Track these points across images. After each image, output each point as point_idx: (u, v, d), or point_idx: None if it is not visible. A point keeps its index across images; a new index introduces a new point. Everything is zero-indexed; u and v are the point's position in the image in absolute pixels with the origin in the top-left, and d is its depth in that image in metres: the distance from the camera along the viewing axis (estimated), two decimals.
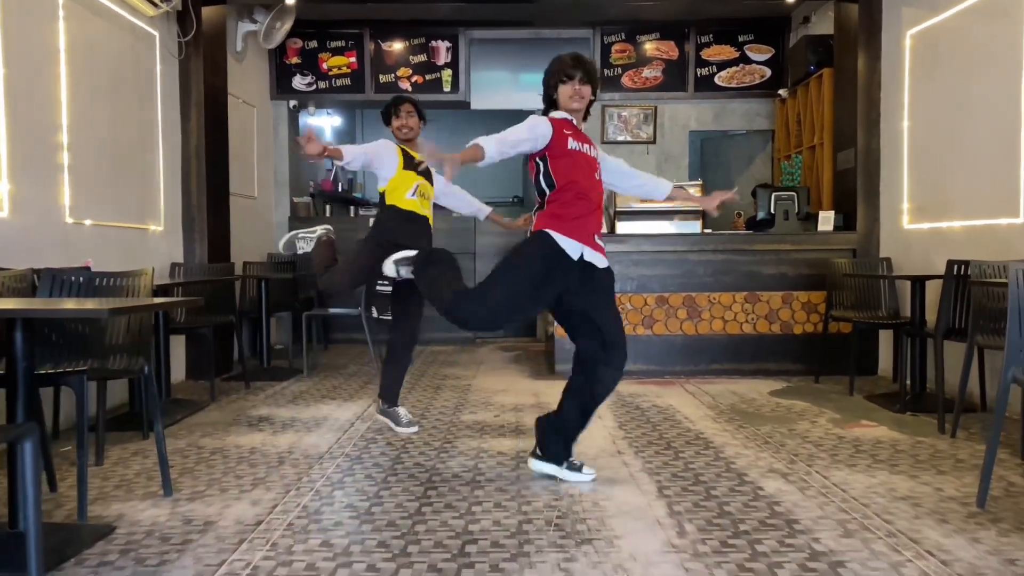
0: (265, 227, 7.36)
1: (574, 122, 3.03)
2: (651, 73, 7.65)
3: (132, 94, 4.92)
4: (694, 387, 5.11)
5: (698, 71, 7.66)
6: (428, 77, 7.65)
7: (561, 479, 3.09)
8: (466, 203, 4.15)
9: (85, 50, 4.37)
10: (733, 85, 7.65)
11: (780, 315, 5.51)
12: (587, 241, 2.96)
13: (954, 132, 4.68)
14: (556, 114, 3.04)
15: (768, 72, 7.60)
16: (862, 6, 5.54)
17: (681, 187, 3.44)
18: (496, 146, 2.82)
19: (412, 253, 3.22)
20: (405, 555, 2.37)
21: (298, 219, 7.64)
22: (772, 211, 5.89)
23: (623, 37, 7.66)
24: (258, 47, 6.97)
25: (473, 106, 7.71)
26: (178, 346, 5.42)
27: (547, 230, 2.92)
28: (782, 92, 7.42)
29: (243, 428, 4.06)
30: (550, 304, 3.02)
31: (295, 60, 7.60)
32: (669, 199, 3.36)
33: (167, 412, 4.28)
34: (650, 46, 7.67)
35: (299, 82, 7.61)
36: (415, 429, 3.83)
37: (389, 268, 3.24)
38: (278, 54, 7.53)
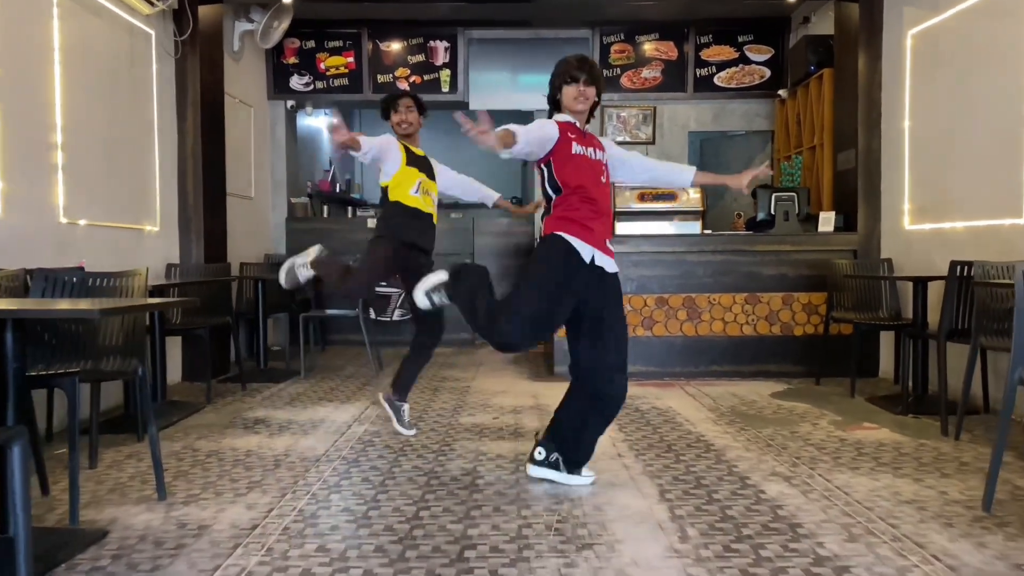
0: (263, 228, 7.32)
1: (577, 125, 2.99)
2: (650, 73, 7.62)
3: (128, 93, 4.87)
4: (694, 389, 5.07)
5: (697, 71, 7.62)
6: (426, 77, 7.61)
7: (559, 482, 3.06)
8: (474, 190, 4.14)
9: (80, 49, 4.33)
10: (732, 86, 7.62)
11: (780, 316, 5.47)
12: (597, 244, 2.92)
13: (956, 132, 4.65)
14: (560, 117, 3.00)
15: (768, 73, 7.57)
16: (863, 6, 5.51)
17: (703, 172, 3.33)
18: (524, 136, 2.77)
19: (439, 278, 3.10)
20: (403, 560, 2.33)
21: (295, 219, 7.61)
22: (772, 212, 5.85)
23: (622, 37, 7.62)
24: (255, 47, 6.93)
25: (471, 106, 7.66)
26: (174, 347, 5.37)
27: (557, 232, 2.90)
28: (782, 92, 7.39)
29: (239, 430, 4.01)
30: (570, 310, 2.96)
31: (292, 60, 7.56)
32: (695, 186, 3.35)
33: (163, 414, 4.24)
34: (649, 46, 7.64)
35: (296, 82, 7.57)
36: (413, 432, 3.83)
37: (422, 300, 3.10)
38: (275, 54, 7.49)
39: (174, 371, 5.39)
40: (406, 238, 3.76)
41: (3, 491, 2.23)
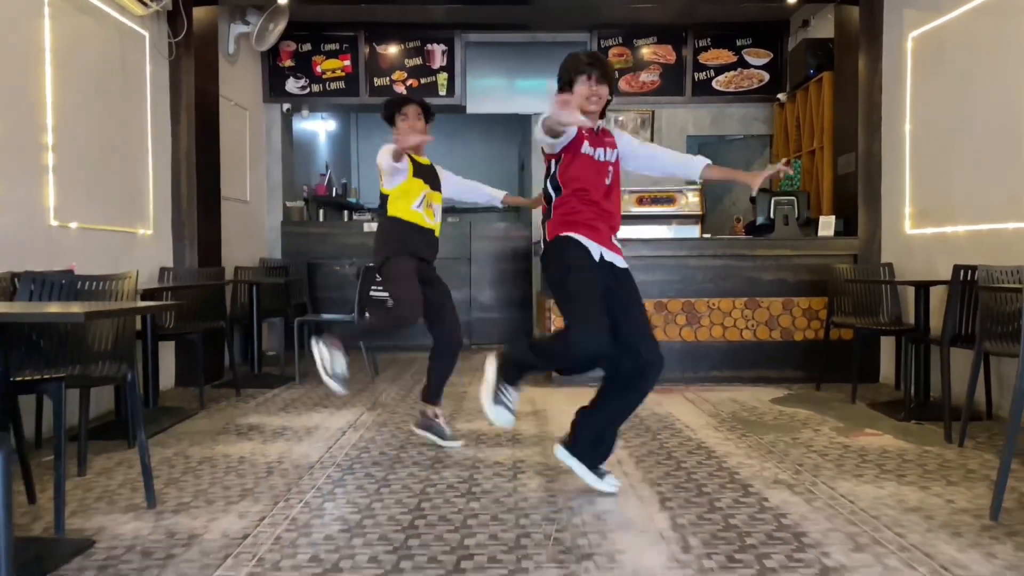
0: (258, 232, 7.25)
1: (588, 122, 2.83)
2: (648, 77, 7.58)
3: (120, 95, 4.81)
4: (694, 395, 5.01)
5: (696, 75, 7.58)
6: (423, 81, 7.56)
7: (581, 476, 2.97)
8: (483, 194, 4.05)
9: (72, 49, 4.27)
10: (731, 89, 7.58)
11: (780, 321, 5.42)
12: (603, 243, 2.86)
13: (957, 135, 4.61)
14: None
15: (766, 76, 7.53)
16: (863, 8, 5.47)
17: (715, 166, 3.16)
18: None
19: (492, 378, 2.93)
20: (397, 571, 2.26)
21: (291, 223, 7.55)
22: (772, 216, 5.81)
23: (620, 41, 7.58)
24: (251, 49, 6.87)
25: (469, 110, 7.62)
26: (167, 352, 5.30)
27: (561, 234, 2.83)
28: (780, 96, 7.36)
29: (232, 437, 3.95)
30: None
31: (288, 63, 7.51)
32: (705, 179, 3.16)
33: (154, 420, 4.17)
34: (647, 50, 7.60)
35: (293, 85, 7.52)
36: (460, 443, 3.74)
37: (495, 413, 2.94)
38: (271, 57, 7.44)
39: (167, 376, 5.32)
40: (414, 251, 3.67)
41: None
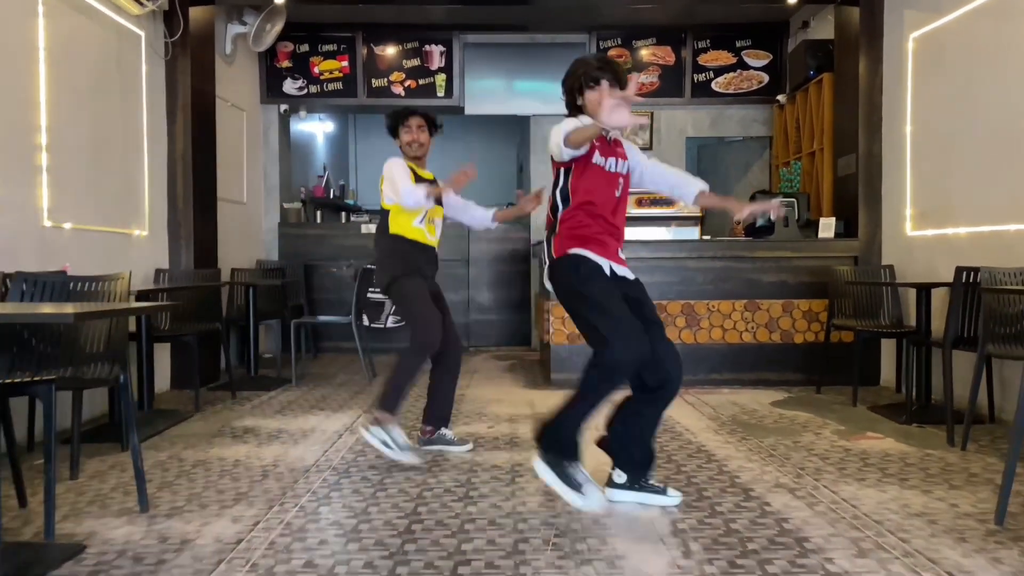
0: (255, 233, 7.21)
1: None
2: (647, 79, 7.54)
3: (116, 95, 4.77)
4: (693, 397, 4.97)
5: (695, 77, 7.55)
6: (421, 82, 7.52)
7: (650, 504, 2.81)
8: (475, 217, 3.88)
9: (66, 48, 4.23)
10: (730, 91, 7.55)
11: (780, 324, 5.38)
12: (611, 257, 2.77)
13: (959, 136, 4.58)
14: (583, 119, 2.77)
15: (766, 78, 7.50)
16: (863, 9, 5.44)
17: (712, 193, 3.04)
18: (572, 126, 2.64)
19: (543, 465, 2.67)
20: None
21: (288, 225, 7.51)
22: (772, 218, 5.77)
23: (619, 42, 7.55)
24: (248, 50, 6.84)
25: (467, 111, 7.58)
26: (163, 355, 5.26)
27: (570, 251, 2.72)
28: (780, 98, 7.33)
29: (227, 440, 3.90)
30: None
31: (286, 64, 7.47)
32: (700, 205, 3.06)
33: (149, 423, 4.13)
34: (646, 51, 7.57)
35: (290, 86, 7.48)
36: (470, 445, 3.70)
37: (581, 500, 2.65)
38: (268, 57, 7.40)
39: (162, 379, 5.28)
40: (419, 269, 3.60)
41: None
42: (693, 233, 6.19)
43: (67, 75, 4.23)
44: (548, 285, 2.90)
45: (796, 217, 5.74)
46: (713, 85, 7.54)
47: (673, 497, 2.86)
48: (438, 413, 3.69)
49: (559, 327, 5.34)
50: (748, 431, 4.04)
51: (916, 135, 5.04)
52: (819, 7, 6.54)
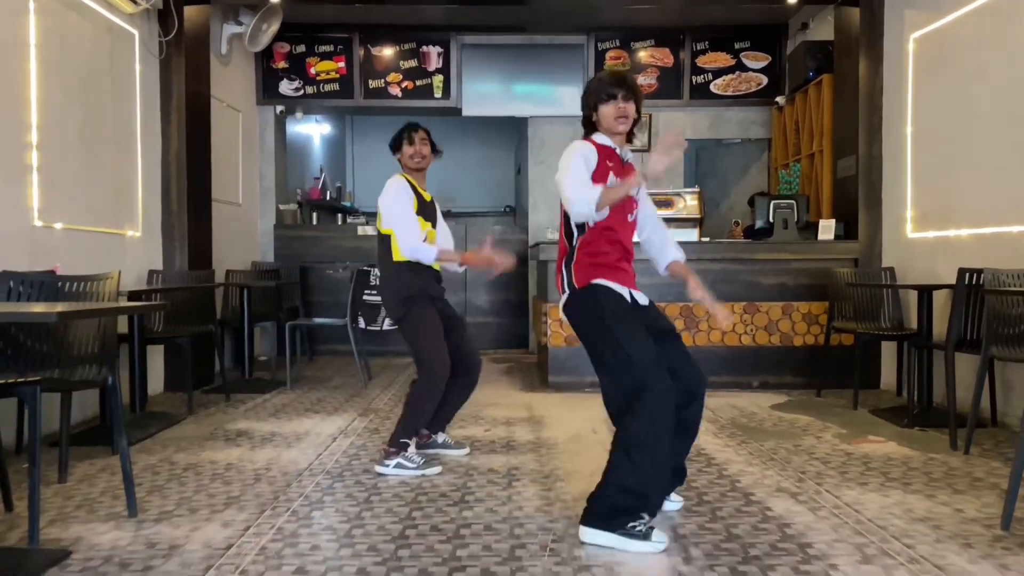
0: (250, 235, 7.15)
1: (617, 151, 2.71)
2: (645, 80, 7.49)
3: (108, 94, 4.72)
4: None
5: (693, 79, 7.51)
6: (419, 83, 7.48)
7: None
8: (445, 255, 3.61)
9: (58, 46, 4.18)
10: (729, 93, 7.51)
11: (780, 326, 5.33)
12: (631, 285, 2.69)
13: (960, 137, 4.54)
14: (598, 137, 2.70)
15: (765, 80, 7.46)
16: (863, 10, 5.41)
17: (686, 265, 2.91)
18: (587, 188, 2.53)
19: (611, 536, 2.46)
20: None
21: (284, 227, 7.45)
22: (771, 219, 5.73)
23: (617, 44, 7.51)
24: (244, 51, 6.79)
25: (464, 113, 7.53)
26: (156, 357, 5.20)
27: (593, 281, 2.63)
28: (779, 100, 7.29)
29: (220, 443, 3.84)
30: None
31: (282, 64, 7.42)
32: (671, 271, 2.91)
33: (141, 425, 4.07)
34: (645, 53, 7.52)
35: (286, 87, 7.43)
36: (466, 449, 3.67)
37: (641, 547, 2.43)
38: (265, 58, 7.35)
39: (156, 381, 5.22)
40: (428, 293, 3.51)
41: None
42: (692, 235, 6.13)
43: (59, 73, 4.18)
44: (562, 315, 2.78)
45: (796, 219, 5.70)
46: (712, 87, 7.51)
47: (674, 502, 2.80)
48: (440, 417, 3.63)
49: (556, 329, 5.29)
50: (748, 434, 3.99)
51: (917, 136, 5.00)
52: (819, 8, 6.50)
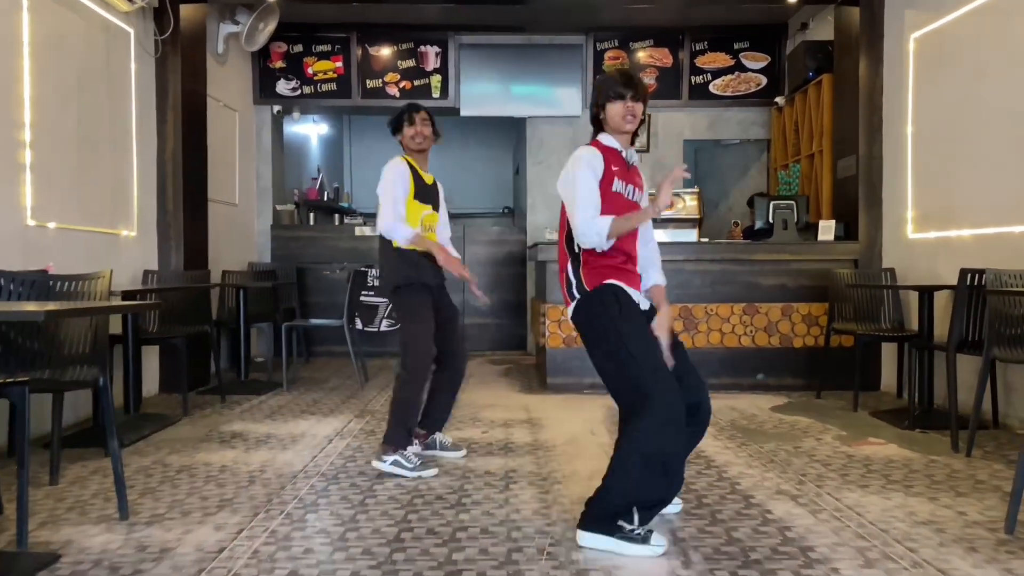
0: (247, 235, 7.11)
1: (623, 154, 2.67)
2: (644, 81, 7.46)
3: (103, 92, 4.68)
4: None
5: (692, 79, 7.48)
6: (417, 83, 7.44)
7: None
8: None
9: (52, 44, 4.14)
10: (728, 93, 7.48)
11: (779, 327, 5.30)
12: (638, 288, 2.64)
13: (962, 137, 4.50)
14: (604, 139, 2.68)
15: (764, 80, 7.43)
16: (864, 9, 5.38)
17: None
18: (594, 206, 2.52)
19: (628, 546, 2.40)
20: None
21: (281, 227, 7.42)
22: (770, 220, 5.70)
23: (616, 44, 7.47)
24: (240, 50, 6.75)
25: (463, 113, 7.49)
26: (151, 358, 5.16)
27: (606, 282, 2.57)
28: (779, 100, 7.25)
29: (214, 445, 3.80)
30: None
31: (279, 64, 7.38)
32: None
33: (135, 427, 4.03)
34: (643, 53, 7.49)
35: (283, 87, 7.39)
36: (463, 452, 3.63)
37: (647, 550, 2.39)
38: (262, 58, 7.31)
39: (151, 382, 5.18)
40: (423, 280, 3.49)
41: None
42: (691, 235, 6.10)
43: (52, 71, 4.14)
44: (570, 322, 2.69)
45: (795, 220, 5.66)
46: (711, 87, 7.47)
47: (673, 505, 2.77)
48: (434, 418, 3.59)
49: (555, 331, 5.25)
50: (748, 436, 3.95)
51: (917, 136, 4.96)
52: (818, 8, 6.47)
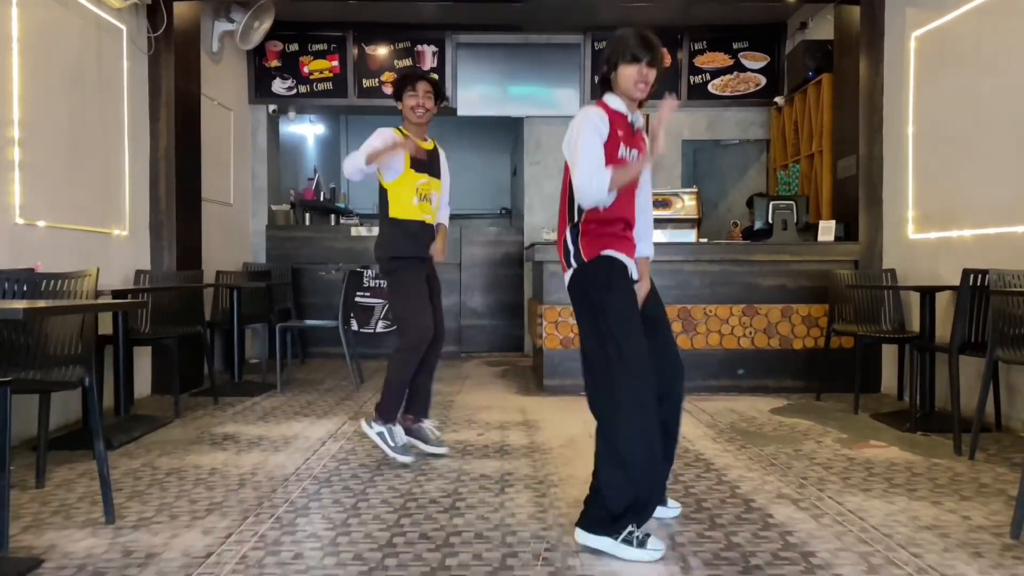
0: (242, 235, 7.05)
1: (629, 118, 2.57)
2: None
3: (95, 90, 4.62)
4: (690, 404, 4.82)
5: (691, 79, 7.43)
6: None
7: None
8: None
9: (43, 40, 4.08)
10: (727, 93, 7.43)
11: (779, 329, 5.24)
12: (631, 255, 2.58)
13: (963, 136, 4.46)
14: (611, 101, 2.55)
15: (763, 80, 7.39)
16: (864, 8, 5.33)
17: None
18: (600, 165, 2.44)
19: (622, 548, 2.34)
20: None
21: (276, 227, 7.36)
22: (770, 220, 5.64)
23: None
24: (236, 49, 6.69)
25: (460, 113, 7.44)
26: (144, 359, 5.09)
27: (603, 252, 2.50)
28: (778, 100, 7.21)
29: (205, 447, 3.74)
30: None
31: (275, 63, 7.32)
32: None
33: (125, 429, 3.97)
34: None
35: (279, 86, 7.33)
36: (445, 450, 3.62)
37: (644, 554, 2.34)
38: (257, 57, 7.25)
39: (143, 383, 5.11)
40: (419, 254, 3.48)
41: None
42: (690, 236, 6.04)
43: (43, 67, 4.08)
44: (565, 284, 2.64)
45: (795, 220, 5.61)
46: (710, 87, 7.43)
47: (671, 508, 2.71)
48: (416, 400, 3.61)
49: (552, 332, 5.20)
50: (747, 439, 3.89)
51: (918, 135, 4.92)
52: (818, 7, 6.43)
